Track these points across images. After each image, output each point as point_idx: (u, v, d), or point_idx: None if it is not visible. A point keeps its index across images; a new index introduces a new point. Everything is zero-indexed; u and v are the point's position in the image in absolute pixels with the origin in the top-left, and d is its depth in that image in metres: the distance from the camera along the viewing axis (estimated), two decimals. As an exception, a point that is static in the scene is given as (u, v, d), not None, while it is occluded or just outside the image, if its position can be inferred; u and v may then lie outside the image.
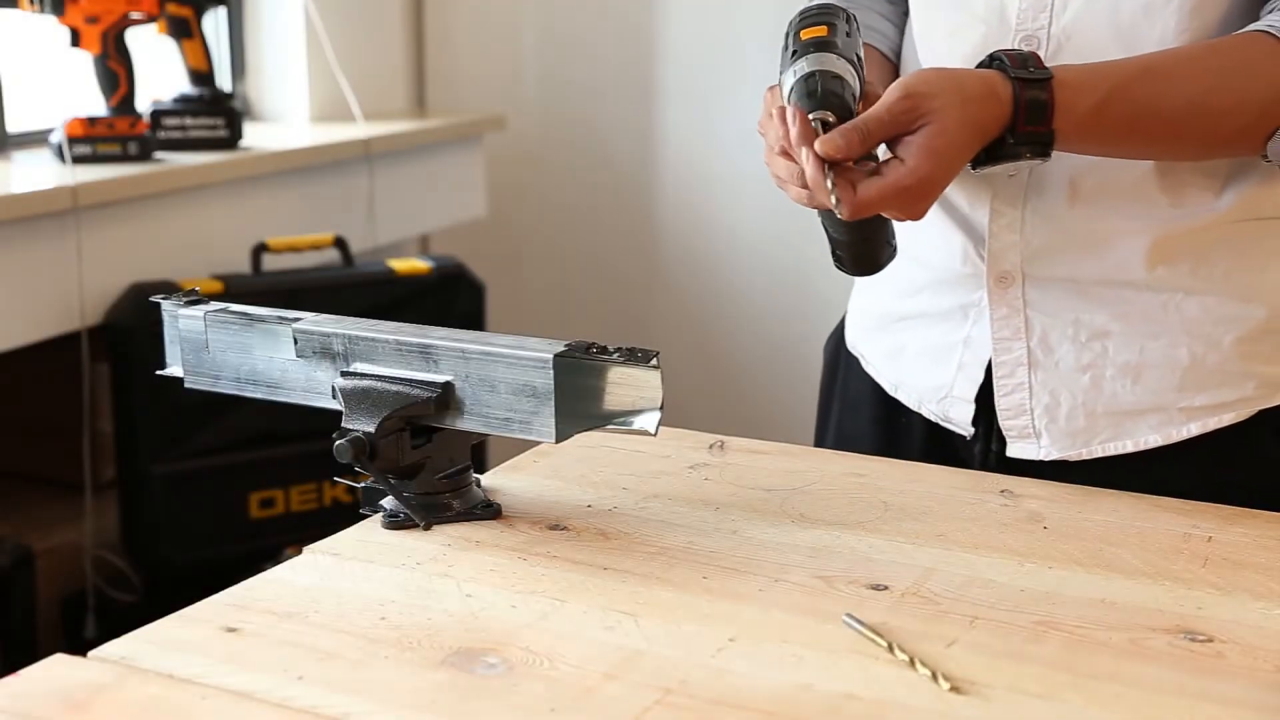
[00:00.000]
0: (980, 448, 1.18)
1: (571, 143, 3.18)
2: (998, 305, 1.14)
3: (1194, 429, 1.12)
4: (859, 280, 1.31)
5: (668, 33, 3.02)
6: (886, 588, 0.89)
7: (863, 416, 1.28)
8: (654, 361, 0.92)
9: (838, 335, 1.34)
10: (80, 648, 0.83)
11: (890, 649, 0.80)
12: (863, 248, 1.09)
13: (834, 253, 1.11)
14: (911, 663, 0.79)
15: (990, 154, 1.02)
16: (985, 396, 1.17)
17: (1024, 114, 0.99)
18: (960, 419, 1.18)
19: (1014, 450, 1.16)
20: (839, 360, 1.33)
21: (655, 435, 0.93)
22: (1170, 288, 1.11)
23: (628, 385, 0.93)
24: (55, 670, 0.80)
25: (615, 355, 0.94)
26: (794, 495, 1.06)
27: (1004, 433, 1.16)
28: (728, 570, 0.92)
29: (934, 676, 0.77)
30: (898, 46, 1.23)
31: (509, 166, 3.20)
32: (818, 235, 1.36)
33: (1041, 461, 1.15)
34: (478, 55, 3.21)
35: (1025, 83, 0.99)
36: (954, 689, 0.76)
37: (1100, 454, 1.14)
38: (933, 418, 1.21)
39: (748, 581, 0.90)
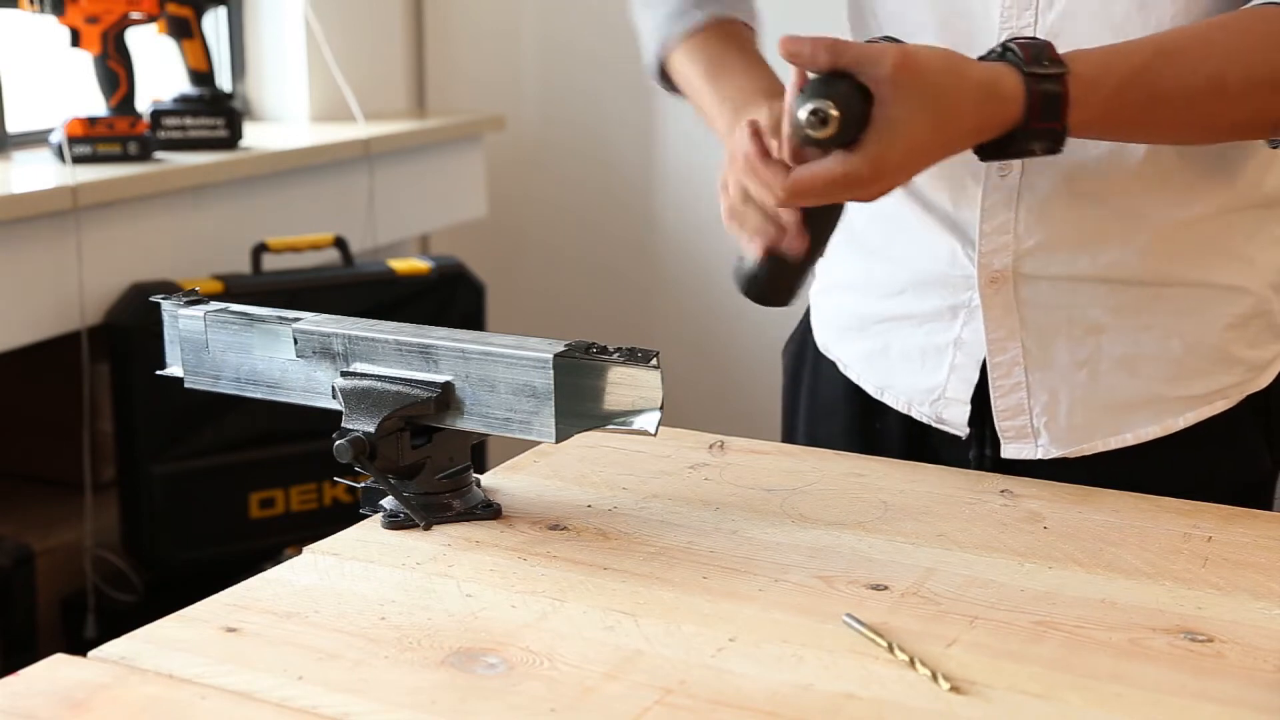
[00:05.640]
0: (975, 451, 1.17)
1: (572, 142, 3.18)
2: (990, 306, 1.13)
3: (1190, 418, 1.13)
4: (826, 282, 1.28)
5: (668, 33, 3.02)
6: (886, 588, 0.89)
7: (835, 422, 1.26)
8: (654, 361, 0.92)
9: (799, 339, 1.32)
10: (80, 648, 0.83)
11: (890, 649, 0.80)
12: (780, 281, 1.05)
13: (748, 277, 1.06)
14: (911, 663, 0.79)
15: (999, 148, 0.98)
16: (976, 397, 1.16)
17: (1037, 110, 0.96)
18: (955, 420, 1.17)
19: (1009, 451, 1.15)
20: (803, 365, 1.30)
21: (655, 435, 0.93)
22: (1162, 281, 1.11)
23: (628, 385, 0.93)
24: (55, 670, 0.80)
25: (615, 355, 0.94)
26: (794, 495, 1.06)
27: (1000, 434, 1.15)
28: (728, 570, 0.92)
29: (934, 676, 0.77)
30: (754, 12, 1.23)
31: (509, 166, 3.20)
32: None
33: (1037, 461, 1.15)
34: (478, 55, 3.21)
35: (1038, 78, 0.95)
36: (954, 689, 0.76)
37: (1102, 449, 1.14)
38: (924, 419, 1.19)
39: (748, 581, 0.90)
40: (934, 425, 1.19)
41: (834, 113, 0.91)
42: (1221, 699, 0.76)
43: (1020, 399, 1.14)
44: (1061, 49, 1.03)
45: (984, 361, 1.15)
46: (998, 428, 1.15)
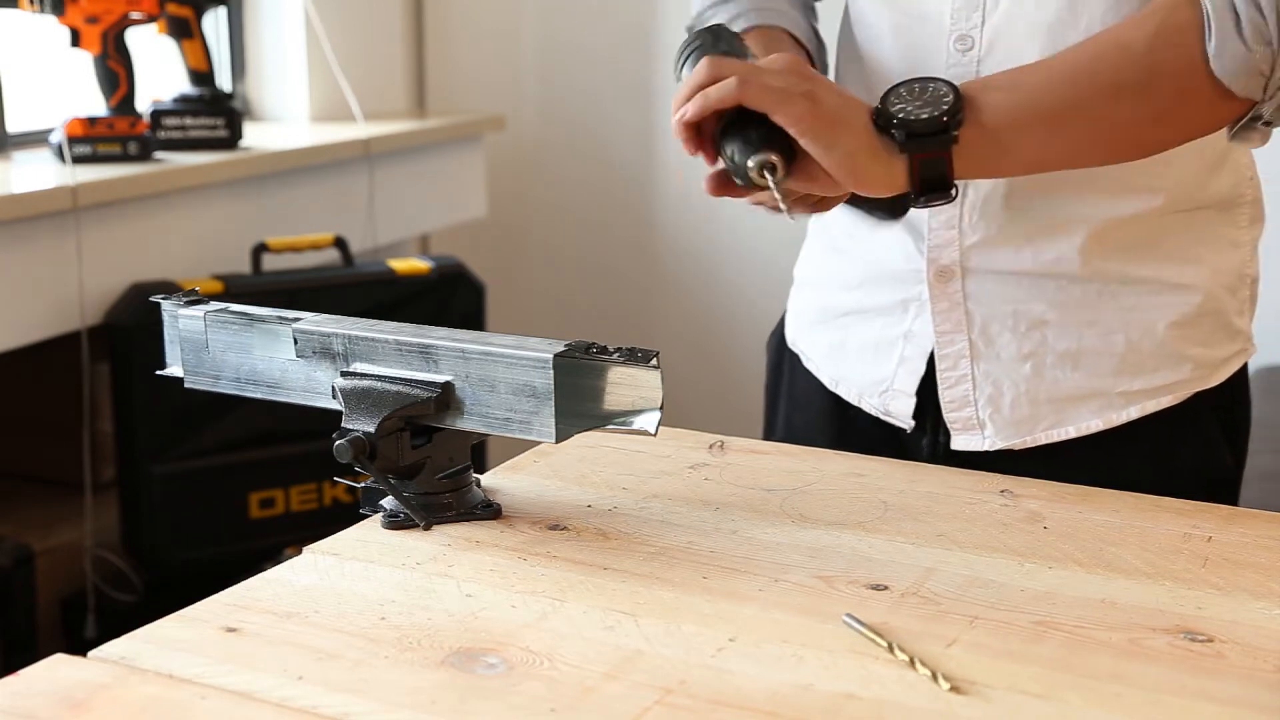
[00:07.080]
0: (928, 440, 1.20)
1: (572, 143, 3.18)
2: (938, 299, 1.16)
3: (1134, 412, 1.14)
4: (799, 277, 1.33)
5: (667, 33, 3.02)
6: (886, 588, 0.89)
7: (811, 413, 1.29)
8: (654, 361, 0.92)
9: (779, 333, 1.35)
10: (80, 648, 0.83)
11: (890, 649, 0.80)
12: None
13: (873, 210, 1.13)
14: (911, 663, 0.79)
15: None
16: (927, 390, 1.18)
17: (919, 186, 0.98)
18: (900, 412, 1.20)
19: (958, 443, 1.18)
20: (782, 358, 1.34)
21: (655, 435, 0.93)
22: (1106, 277, 1.13)
23: (628, 385, 0.93)
24: (55, 670, 0.80)
25: (615, 355, 0.94)
26: (794, 495, 1.06)
27: (949, 425, 1.18)
28: (728, 570, 0.92)
29: (934, 676, 0.77)
30: (807, 31, 1.22)
31: (509, 166, 3.20)
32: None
33: (987, 452, 1.16)
34: (478, 55, 3.21)
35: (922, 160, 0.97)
36: (954, 689, 0.76)
37: (1044, 441, 1.15)
38: (873, 411, 1.22)
39: (748, 581, 0.90)
40: (882, 418, 1.20)
41: (775, 158, 0.97)
42: (1221, 699, 0.76)
43: (966, 391, 1.16)
44: (1002, 50, 1.05)
45: (932, 354, 1.16)
46: (945, 419, 1.17)
